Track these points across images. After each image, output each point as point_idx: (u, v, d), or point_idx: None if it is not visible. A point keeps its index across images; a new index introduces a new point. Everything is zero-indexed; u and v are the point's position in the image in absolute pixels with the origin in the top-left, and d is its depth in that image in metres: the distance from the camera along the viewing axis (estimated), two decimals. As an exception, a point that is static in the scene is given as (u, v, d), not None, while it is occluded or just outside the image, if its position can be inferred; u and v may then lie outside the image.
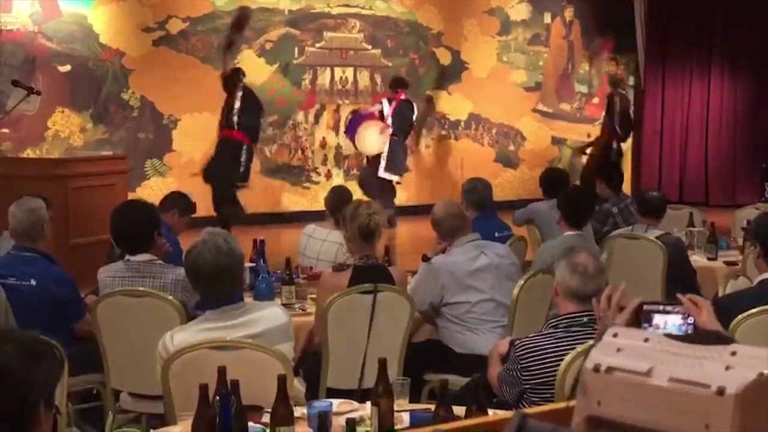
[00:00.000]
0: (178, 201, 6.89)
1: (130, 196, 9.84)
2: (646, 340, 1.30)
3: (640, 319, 2.56)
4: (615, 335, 1.34)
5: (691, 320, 2.57)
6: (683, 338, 1.32)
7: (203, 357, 3.72)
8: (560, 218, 6.62)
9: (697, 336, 1.41)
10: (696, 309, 2.67)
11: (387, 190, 11.78)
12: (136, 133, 12.18)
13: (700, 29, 15.14)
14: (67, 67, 11.68)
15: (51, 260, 5.36)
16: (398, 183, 12.13)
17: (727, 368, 1.29)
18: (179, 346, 3.78)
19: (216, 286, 3.90)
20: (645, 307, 2.56)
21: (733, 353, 1.30)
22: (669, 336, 1.32)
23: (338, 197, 6.88)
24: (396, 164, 11.91)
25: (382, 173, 11.80)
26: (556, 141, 15.06)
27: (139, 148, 12.12)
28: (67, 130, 11.71)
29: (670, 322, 2.54)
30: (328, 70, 13.40)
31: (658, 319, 2.55)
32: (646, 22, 15.07)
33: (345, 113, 13.36)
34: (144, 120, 12.23)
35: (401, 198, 12.36)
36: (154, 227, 5.35)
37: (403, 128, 11.90)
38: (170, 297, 4.96)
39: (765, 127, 14.96)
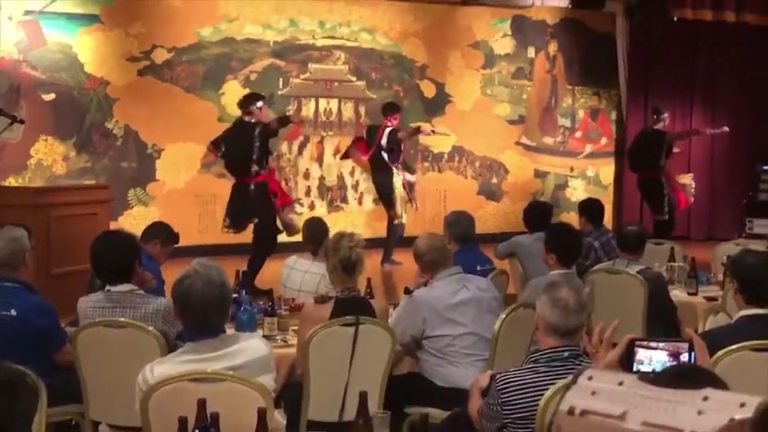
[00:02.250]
0: (161, 231, 6.88)
1: (113, 225, 9.84)
2: (621, 383, 1.31)
3: (631, 355, 2.58)
4: (590, 378, 1.35)
5: (683, 358, 2.58)
6: (658, 381, 1.33)
7: (183, 389, 3.71)
8: (550, 257, 6.56)
9: (673, 377, 1.42)
10: (702, 350, 2.69)
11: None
12: (119, 162, 12.17)
13: (681, 65, 15.25)
14: (51, 96, 11.68)
15: (32, 290, 5.33)
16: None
17: (700, 413, 1.30)
18: (159, 378, 3.76)
19: (203, 319, 3.87)
20: (635, 343, 2.59)
21: (706, 398, 1.31)
22: (644, 378, 1.33)
23: (315, 228, 6.95)
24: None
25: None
26: (539, 174, 15.10)
27: (122, 177, 12.11)
28: (50, 158, 11.69)
29: (655, 358, 2.56)
30: (313, 101, 13.44)
31: (642, 354, 2.57)
32: (629, 57, 15.17)
33: (329, 145, 13.39)
34: (127, 149, 12.22)
35: (382, 230, 12.30)
36: (134, 257, 5.34)
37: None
38: (151, 328, 4.94)
39: (745, 162, 15.06)
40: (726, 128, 13.62)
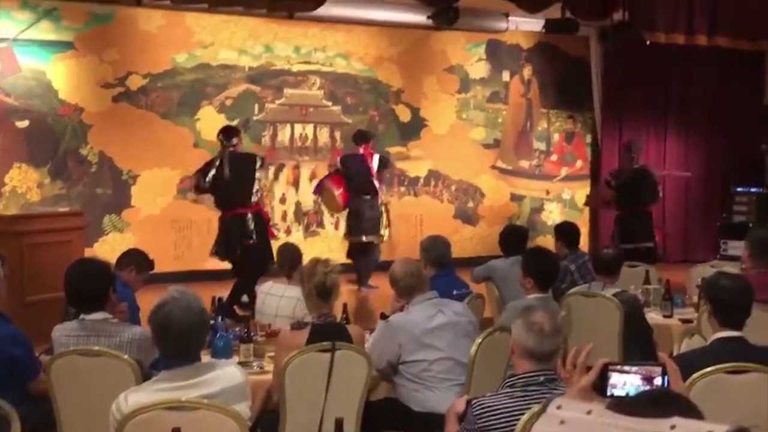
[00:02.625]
0: (135, 258, 6.86)
1: (88, 252, 9.78)
2: (589, 412, 1.31)
3: (605, 379, 2.58)
4: (559, 407, 1.35)
5: (656, 382, 2.58)
6: (627, 409, 1.33)
7: (158, 418, 3.69)
8: (528, 281, 6.56)
9: (645, 403, 1.42)
10: (675, 374, 2.69)
11: None
12: (94, 189, 12.12)
13: (655, 88, 15.35)
14: (25, 123, 11.64)
15: (5, 319, 5.29)
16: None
17: (666, 442, 1.30)
18: (133, 407, 3.74)
19: (183, 345, 3.86)
20: (609, 367, 2.59)
21: (673, 427, 1.31)
22: (612, 407, 1.33)
23: (288, 252, 7.00)
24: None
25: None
26: (515, 198, 15.14)
27: (97, 203, 12.06)
28: (25, 185, 11.64)
29: (629, 382, 2.56)
30: (288, 126, 13.44)
31: (616, 378, 2.57)
32: (603, 80, 15.27)
33: (305, 170, 13.39)
34: (102, 175, 12.18)
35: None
36: (108, 285, 5.30)
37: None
38: (125, 356, 4.91)
39: (719, 184, 15.18)
40: (689, 173, 13.79)
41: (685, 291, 8.58)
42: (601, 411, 1.34)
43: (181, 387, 3.82)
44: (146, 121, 12.39)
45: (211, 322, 6.12)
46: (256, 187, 9.87)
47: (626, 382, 2.55)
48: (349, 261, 11.75)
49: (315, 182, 12.52)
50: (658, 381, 2.58)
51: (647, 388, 2.54)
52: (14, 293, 7.16)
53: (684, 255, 15.02)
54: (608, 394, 2.55)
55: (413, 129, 14.28)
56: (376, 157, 11.80)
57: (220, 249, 9.96)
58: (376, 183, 11.74)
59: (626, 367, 2.59)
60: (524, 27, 14.48)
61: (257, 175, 9.86)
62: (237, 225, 9.82)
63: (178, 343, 3.85)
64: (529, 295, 6.51)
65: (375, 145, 12.19)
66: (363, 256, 11.88)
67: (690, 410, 1.55)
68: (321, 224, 13.61)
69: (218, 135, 10.09)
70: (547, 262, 6.73)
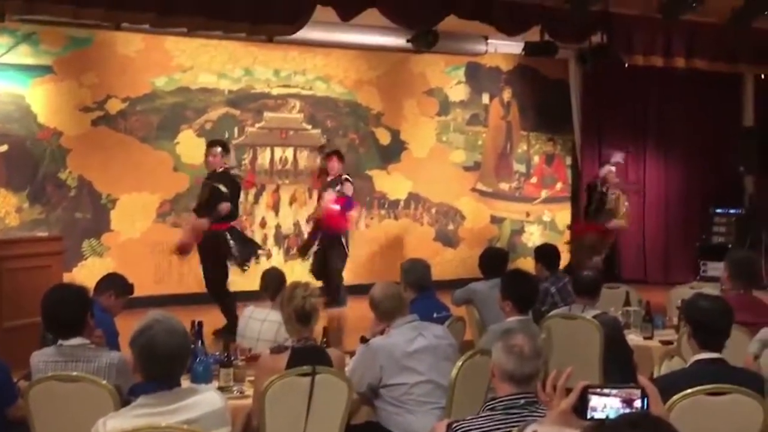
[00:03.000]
0: (115, 282, 6.83)
1: (67, 276, 9.75)
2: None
3: (585, 402, 2.58)
4: (535, 432, 1.34)
5: (636, 404, 2.58)
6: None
7: (136, 444, 3.66)
8: (506, 303, 6.56)
9: (624, 426, 1.42)
10: (655, 397, 2.69)
11: None
12: (73, 213, 12.07)
13: (634, 110, 15.44)
14: (3, 147, 11.59)
15: (-17, 345, 5.27)
16: None
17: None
18: (112, 433, 3.71)
19: (167, 368, 3.84)
20: (588, 390, 2.59)
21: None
22: (590, 431, 1.32)
23: (272, 277, 6.97)
24: None
25: None
26: (496, 220, 15.16)
27: (76, 228, 12.01)
28: (3, 210, 11.58)
29: (609, 405, 2.56)
30: (268, 150, 13.44)
31: (596, 401, 2.57)
32: (582, 102, 15.33)
33: (285, 193, 13.37)
34: (82, 200, 12.13)
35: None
36: (86, 311, 5.27)
37: None
38: (104, 382, 4.88)
39: (698, 206, 15.23)
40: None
41: (666, 312, 8.59)
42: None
43: (160, 413, 3.80)
44: (125, 145, 12.36)
45: (191, 346, 6.12)
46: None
47: (606, 405, 2.56)
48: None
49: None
50: (637, 403, 2.58)
51: (627, 410, 2.55)
52: (-8, 319, 7.13)
53: (664, 276, 15.05)
54: (588, 416, 2.54)
55: (393, 152, 14.30)
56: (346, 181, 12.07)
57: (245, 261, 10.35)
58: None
59: (606, 390, 2.60)
60: (503, 50, 14.52)
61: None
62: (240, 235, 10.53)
63: (163, 366, 3.84)
64: (508, 317, 6.50)
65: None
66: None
67: (669, 433, 1.55)
68: (301, 247, 13.57)
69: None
70: (526, 285, 6.72)
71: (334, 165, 12.07)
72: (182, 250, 10.33)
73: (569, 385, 2.80)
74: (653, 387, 2.72)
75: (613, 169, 13.78)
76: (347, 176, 12.22)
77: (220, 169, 10.27)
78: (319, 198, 12.25)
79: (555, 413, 2.73)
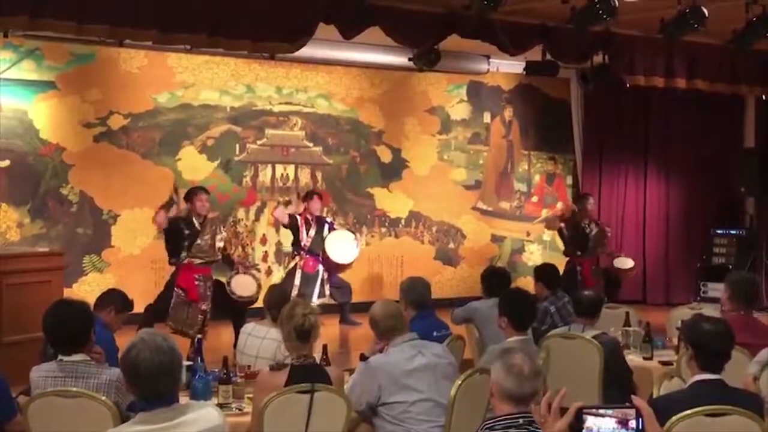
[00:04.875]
0: (115, 298, 6.83)
1: (67, 292, 9.74)
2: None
3: (580, 423, 2.58)
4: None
5: (631, 425, 2.59)
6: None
7: (135, 460, 3.66)
8: (505, 322, 6.57)
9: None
10: (650, 417, 2.69)
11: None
12: (74, 229, 12.08)
13: (635, 130, 15.46)
14: (6, 162, 11.61)
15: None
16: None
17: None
18: (111, 449, 3.71)
19: (155, 387, 3.83)
20: (583, 410, 2.59)
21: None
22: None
23: (276, 295, 6.91)
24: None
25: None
26: (496, 239, 15.17)
27: (77, 243, 12.02)
28: (4, 225, 11.59)
29: (604, 426, 2.57)
30: (270, 166, 13.46)
31: (591, 422, 2.58)
32: (583, 122, 15.36)
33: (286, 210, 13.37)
34: (83, 215, 12.14)
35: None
36: (89, 327, 5.27)
37: None
38: (103, 398, 4.88)
39: (698, 227, 15.24)
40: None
41: (665, 333, 8.59)
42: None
43: (158, 429, 3.79)
44: (127, 160, 12.38)
45: (190, 363, 6.12)
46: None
47: (601, 426, 2.56)
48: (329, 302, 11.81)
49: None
50: (632, 424, 2.59)
51: (622, 431, 2.55)
52: (-8, 333, 7.13)
53: (664, 297, 15.05)
54: (584, 437, 2.55)
55: (394, 170, 14.32)
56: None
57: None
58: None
59: (601, 410, 2.61)
60: (505, 69, 14.58)
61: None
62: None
63: (149, 385, 3.83)
64: (506, 334, 6.51)
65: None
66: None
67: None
68: (302, 265, 13.57)
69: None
70: (523, 302, 6.72)
71: (317, 205, 11.98)
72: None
73: (566, 404, 2.80)
74: (648, 407, 2.72)
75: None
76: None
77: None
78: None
79: (550, 435, 2.74)
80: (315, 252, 11.80)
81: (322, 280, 11.86)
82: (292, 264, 12.00)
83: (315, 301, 11.54)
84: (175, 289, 10.01)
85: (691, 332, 4.90)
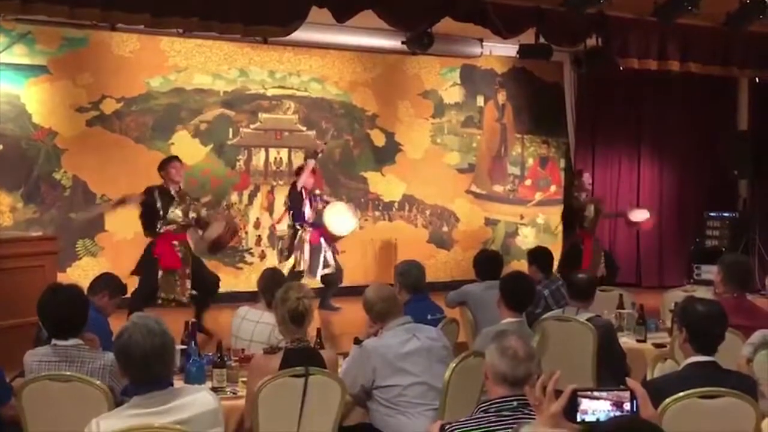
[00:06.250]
0: (109, 283, 6.83)
1: (61, 276, 9.74)
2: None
3: (575, 405, 2.59)
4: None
5: (626, 407, 2.60)
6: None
7: (130, 444, 3.67)
8: (499, 301, 6.60)
9: (613, 429, 1.43)
10: (644, 399, 2.70)
11: None
12: (67, 213, 12.05)
13: (629, 113, 15.44)
14: (-2, 147, 11.59)
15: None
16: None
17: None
18: (105, 433, 3.72)
19: (147, 370, 3.84)
20: (578, 393, 2.60)
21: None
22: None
23: (270, 279, 6.88)
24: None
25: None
26: (490, 222, 15.17)
27: (70, 227, 11.99)
28: (-3, 209, 11.59)
29: (598, 408, 2.58)
30: (263, 150, 13.43)
31: (586, 404, 2.58)
32: (576, 105, 15.34)
33: (279, 194, 13.36)
34: (76, 199, 12.11)
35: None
36: (84, 312, 5.28)
37: None
38: (98, 382, 4.88)
39: (692, 209, 15.25)
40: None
41: (659, 315, 8.60)
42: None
43: (153, 413, 3.80)
44: (120, 145, 12.35)
45: (184, 346, 6.13)
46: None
47: (596, 408, 2.57)
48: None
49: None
50: (627, 406, 2.59)
51: (617, 413, 2.56)
52: (-15, 318, 7.11)
53: (658, 280, 15.08)
54: (578, 420, 2.56)
55: (388, 153, 14.29)
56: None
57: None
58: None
59: (596, 393, 2.61)
60: (498, 52, 14.55)
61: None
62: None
63: (141, 368, 3.84)
64: (503, 316, 6.53)
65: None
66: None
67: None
68: (295, 248, 13.56)
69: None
70: (517, 285, 6.75)
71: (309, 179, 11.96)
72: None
73: (561, 387, 2.81)
74: (642, 389, 2.73)
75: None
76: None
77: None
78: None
79: (545, 417, 2.74)
80: (316, 224, 11.82)
81: (325, 251, 11.88)
82: (297, 238, 11.97)
83: (320, 272, 11.72)
84: (154, 260, 10.03)
85: (684, 314, 4.90)
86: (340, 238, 12.01)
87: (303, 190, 11.72)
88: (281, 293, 5.41)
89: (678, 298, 7.20)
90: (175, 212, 10.06)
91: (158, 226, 10.02)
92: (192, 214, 10.21)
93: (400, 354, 5.58)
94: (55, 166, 11.97)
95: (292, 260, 11.77)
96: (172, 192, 10.08)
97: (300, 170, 11.89)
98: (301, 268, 11.55)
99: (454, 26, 11.46)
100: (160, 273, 9.93)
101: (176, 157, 10.50)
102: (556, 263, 10.97)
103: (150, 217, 10.07)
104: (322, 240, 11.82)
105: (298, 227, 11.76)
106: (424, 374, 5.60)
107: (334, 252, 11.98)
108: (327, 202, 12.05)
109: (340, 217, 11.94)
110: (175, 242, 10.09)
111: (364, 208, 13.99)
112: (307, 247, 11.71)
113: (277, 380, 5.08)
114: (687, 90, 14.97)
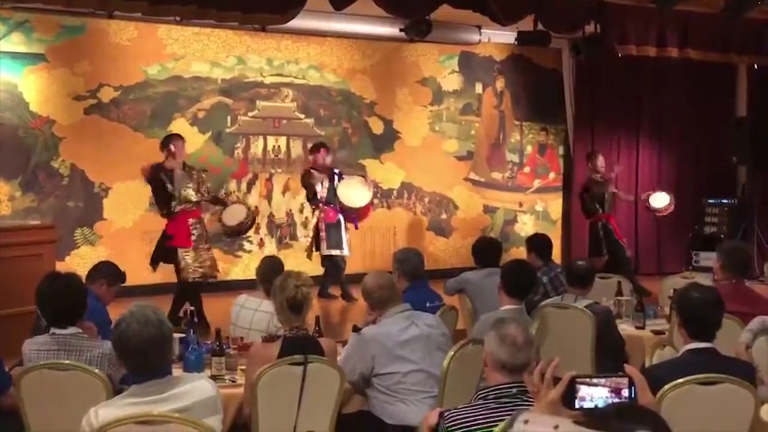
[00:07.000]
0: (107, 271, 6.82)
1: (59, 265, 9.73)
2: (556, 427, 1.31)
3: (573, 392, 2.58)
4: (526, 422, 1.35)
5: (624, 393, 2.59)
6: (593, 423, 1.33)
7: (129, 432, 3.67)
8: (502, 290, 6.60)
9: (612, 415, 1.42)
10: (643, 385, 2.70)
11: None
12: (65, 202, 12.04)
13: (627, 100, 15.43)
14: (-5, 135, 11.57)
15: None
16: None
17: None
18: (104, 422, 3.72)
19: (145, 359, 3.84)
20: (576, 380, 2.59)
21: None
22: (579, 422, 1.33)
23: (269, 267, 6.86)
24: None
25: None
26: (489, 209, 15.16)
27: (68, 216, 11.99)
28: (-5, 198, 11.58)
29: (597, 395, 2.57)
30: (261, 138, 13.42)
31: (584, 391, 2.58)
32: (575, 92, 15.32)
33: (277, 182, 13.36)
34: (74, 188, 12.10)
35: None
36: (83, 300, 5.28)
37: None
38: (96, 371, 4.88)
39: (691, 197, 15.23)
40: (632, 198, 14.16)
41: (658, 302, 8.60)
42: (568, 425, 1.35)
43: (152, 401, 3.80)
44: (118, 133, 12.33)
45: (183, 335, 6.13)
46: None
47: (594, 395, 2.56)
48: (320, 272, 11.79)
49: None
50: (625, 392, 2.59)
51: (615, 399, 2.56)
52: (-16, 307, 7.11)
53: (656, 266, 15.09)
54: (577, 406, 2.55)
55: (386, 141, 14.28)
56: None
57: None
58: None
59: (594, 380, 2.61)
60: (497, 39, 14.52)
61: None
62: None
63: (138, 359, 3.84)
64: (503, 303, 6.53)
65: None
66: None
67: (656, 422, 1.55)
68: (294, 237, 13.57)
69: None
70: (518, 272, 6.75)
71: (324, 156, 11.97)
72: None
73: (560, 374, 2.80)
74: (640, 375, 2.73)
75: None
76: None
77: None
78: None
79: (543, 403, 2.74)
80: (332, 202, 11.82)
81: (345, 228, 11.96)
82: (313, 220, 12.00)
83: (346, 252, 11.94)
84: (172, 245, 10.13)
85: (681, 301, 4.91)
86: (357, 210, 11.99)
87: (314, 171, 11.77)
88: (280, 281, 5.41)
89: (676, 285, 7.23)
90: (188, 191, 10.08)
91: (172, 206, 10.06)
92: (204, 189, 10.25)
93: (399, 341, 5.58)
94: (53, 155, 11.96)
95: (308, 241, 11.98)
96: (177, 170, 10.10)
97: (316, 150, 12.02)
98: (324, 246, 11.79)
99: (453, 13, 11.42)
100: (179, 251, 10.03)
101: (178, 135, 10.57)
102: (557, 251, 10.98)
103: (160, 195, 10.16)
104: (340, 217, 11.85)
105: (314, 207, 11.85)
106: (423, 362, 5.60)
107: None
108: (343, 178, 12.09)
109: (353, 190, 11.94)
110: (191, 220, 10.14)
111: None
112: (323, 226, 11.77)
113: (276, 368, 5.08)
114: (686, 77, 14.95)
